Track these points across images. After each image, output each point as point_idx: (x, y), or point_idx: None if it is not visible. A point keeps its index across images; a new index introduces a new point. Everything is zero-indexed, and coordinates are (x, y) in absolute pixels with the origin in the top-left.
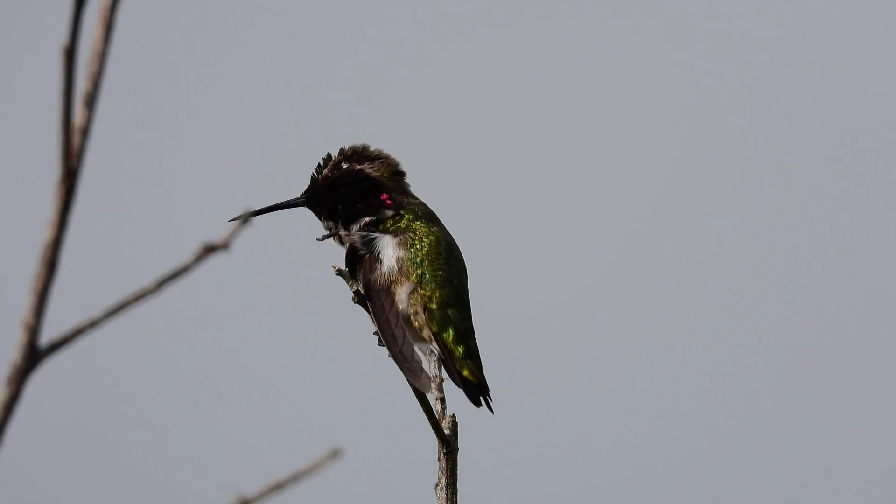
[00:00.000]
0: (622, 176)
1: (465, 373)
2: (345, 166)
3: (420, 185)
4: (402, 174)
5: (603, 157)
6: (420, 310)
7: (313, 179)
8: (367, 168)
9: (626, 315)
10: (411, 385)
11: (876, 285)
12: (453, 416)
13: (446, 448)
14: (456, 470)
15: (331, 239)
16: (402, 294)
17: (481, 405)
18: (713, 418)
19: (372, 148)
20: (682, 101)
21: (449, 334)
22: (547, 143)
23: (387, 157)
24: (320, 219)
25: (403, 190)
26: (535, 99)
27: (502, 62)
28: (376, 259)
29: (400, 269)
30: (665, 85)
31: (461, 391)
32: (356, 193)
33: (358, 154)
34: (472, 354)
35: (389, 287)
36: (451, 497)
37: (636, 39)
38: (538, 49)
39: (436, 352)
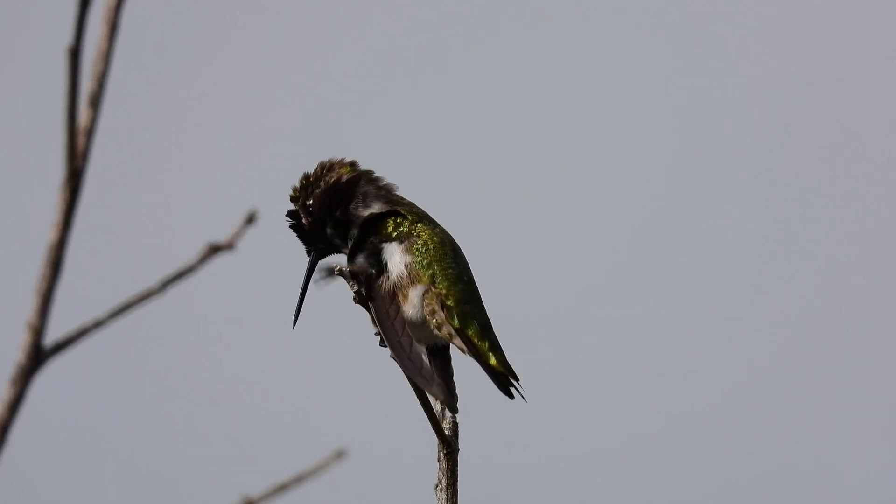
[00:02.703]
0: (624, 179)
1: (494, 363)
2: (311, 202)
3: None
4: (354, 164)
5: (611, 156)
6: (437, 308)
7: (302, 235)
8: (328, 178)
9: (627, 317)
10: (412, 385)
11: (881, 283)
12: (454, 416)
13: (447, 448)
14: (456, 470)
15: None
16: (414, 297)
17: (514, 397)
18: (715, 418)
19: (314, 169)
20: (687, 100)
21: (472, 330)
22: (557, 141)
23: (332, 164)
24: (335, 251)
25: (388, 190)
26: (538, 101)
27: (504, 67)
28: (383, 268)
29: (409, 273)
30: (668, 84)
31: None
32: (336, 210)
33: (310, 184)
34: (496, 347)
35: (396, 294)
36: (452, 498)
37: (639, 42)
38: (540, 52)
39: (459, 349)
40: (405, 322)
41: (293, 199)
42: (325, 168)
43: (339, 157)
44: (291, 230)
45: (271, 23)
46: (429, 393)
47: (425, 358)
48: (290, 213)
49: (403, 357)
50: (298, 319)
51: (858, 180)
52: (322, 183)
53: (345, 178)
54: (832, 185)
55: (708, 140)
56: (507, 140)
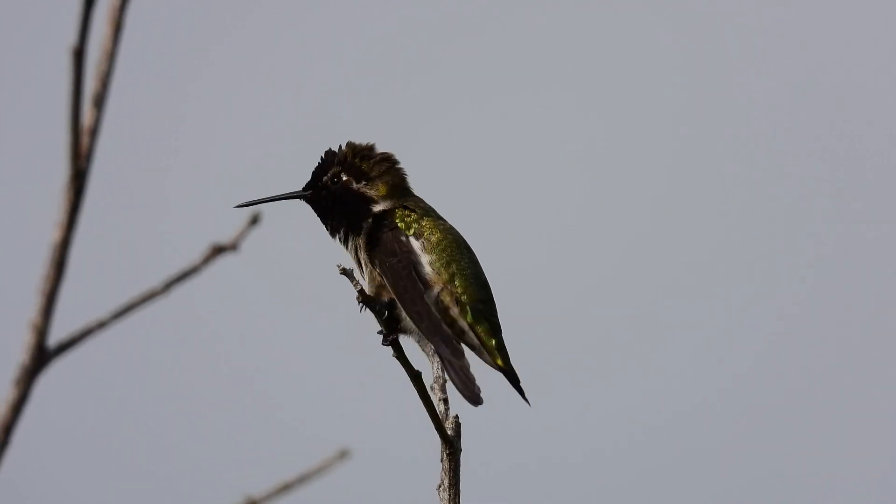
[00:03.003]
0: (623, 183)
1: (499, 361)
2: (345, 178)
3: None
4: (401, 174)
5: (612, 158)
6: (452, 304)
7: (315, 178)
8: (364, 188)
9: (630, 318)
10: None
11: (879, 284)
12: (456, 416)
13: (449, 449)
14: (459, 471)
15: (339, 242)
16: (433, 293)
17: (526, 398)
18: (717, 420)
19: (378, 152)
20: (688, 101)
21: (482, 327)
22: (558, 141)
23: (386, 162)
24: (322, 220)
25: (404, 189)
26: (538, 101)
27: (505, 66)
28: (410, 263)
29: (431, 270)
30: (671, 84)
31: (460, 392)
32: (356, 209)
33: (354, 163)
34: (502, 348)
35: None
36: (454, 498)
37: (642, 42)
38: (541, 47)
39: (468, 345)
40: (422, 297)
41: (342, 155)
42: (382, 165)
43: (399, 164)
44: (317, 164)
45: (275, 23)
46: (446, 356)
47: (444, 325)
48: (328, 155)
49: (420, 323)
50: (248, 206)
51: (858, 182)
52: (363, 182)
53: (373, 195)
54: (833, 186)
55: (709, 139)
56: (509, 139)
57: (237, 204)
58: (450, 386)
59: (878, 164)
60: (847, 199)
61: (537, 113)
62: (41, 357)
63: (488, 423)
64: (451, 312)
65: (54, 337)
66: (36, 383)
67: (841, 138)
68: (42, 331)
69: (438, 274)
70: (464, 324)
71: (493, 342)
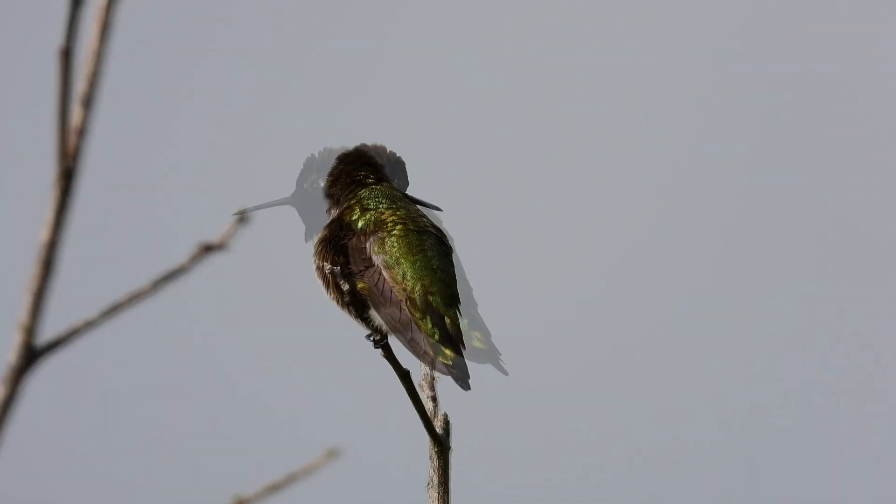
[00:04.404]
0: (619, 195)
1: (440, 359)
2: (321, 184)
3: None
4: (367, 169)
5: (604, 173)
6: (405, 301)
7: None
8: (333, 190)
9: (624, 324)
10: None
11: (883, 291)
12: (445, 414)
13: (438, 447)
14: (448, 469)
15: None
16: (389, 291)
17: (469, 388)
18: (712, 418)
19: (348, 154)
20: (683, 108)
21: (427, 322)
22: (551, 158)
23: (357, 161)
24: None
25: (371, 182)
26: (540, 100)
27: (504, 62)
28: (369, 264)
29: (384, 270)
30: (673, 86)
31: (456, 392)
32: (325, 213)
33: (330, 168)
34: (450, 337)
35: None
36: (444, 496)
37: (638, 42)
38: (540, 48)
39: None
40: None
41: (320, 161)
42: (352, 165)
43: (369, 160)
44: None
45: (265, 23)
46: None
47: (420, 339)
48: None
49: (405, 336)
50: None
51: (857, 185)
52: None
53: (338, 196)
54: (834, 190)
55: (708, 142)
56: (502, 151)
57: (234, 212)
58: (439, 384)
59: (879, 167)
60: (849, 203)
61: (537, 115)
62: (29, 356)
63: (477, 422)
64: (404, 309)
65: (42, 336)
66: (24, 383)
67: (840, 143)
68: (30, 330)
69: (389, 272)
70: (416, 319)
71: (437, 335)
